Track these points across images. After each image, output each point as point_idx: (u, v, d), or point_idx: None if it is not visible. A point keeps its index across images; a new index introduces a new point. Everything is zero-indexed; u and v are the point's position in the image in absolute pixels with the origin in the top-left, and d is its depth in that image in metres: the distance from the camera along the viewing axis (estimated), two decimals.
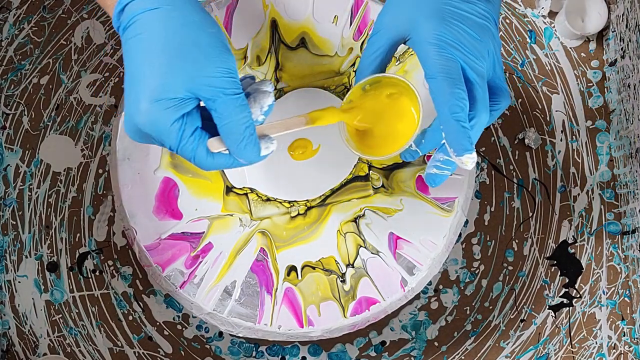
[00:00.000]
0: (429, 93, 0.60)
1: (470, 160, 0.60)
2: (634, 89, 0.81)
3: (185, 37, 0.58)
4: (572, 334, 0.85)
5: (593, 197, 0.86)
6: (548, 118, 0.87)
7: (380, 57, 0.64)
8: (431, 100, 0.60)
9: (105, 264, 0.85)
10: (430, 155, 0.75)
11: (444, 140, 0.60)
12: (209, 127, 0.60)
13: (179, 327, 0.84)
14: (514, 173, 0.86)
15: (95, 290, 0.84)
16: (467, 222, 0.86)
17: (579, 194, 0.86)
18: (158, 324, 0.84)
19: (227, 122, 0.58)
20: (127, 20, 0.58)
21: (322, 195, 0.75)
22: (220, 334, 0.84)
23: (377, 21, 0.64)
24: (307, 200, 0.75)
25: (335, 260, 0.74)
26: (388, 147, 0.66)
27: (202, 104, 0.59)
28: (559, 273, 0.86)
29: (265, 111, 0.61)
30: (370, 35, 0.65)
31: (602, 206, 0.86)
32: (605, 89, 0.88)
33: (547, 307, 0.85)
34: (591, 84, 0.88)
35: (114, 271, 0.85)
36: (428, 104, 0.62)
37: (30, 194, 0.86)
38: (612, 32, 0.87)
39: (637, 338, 0.84)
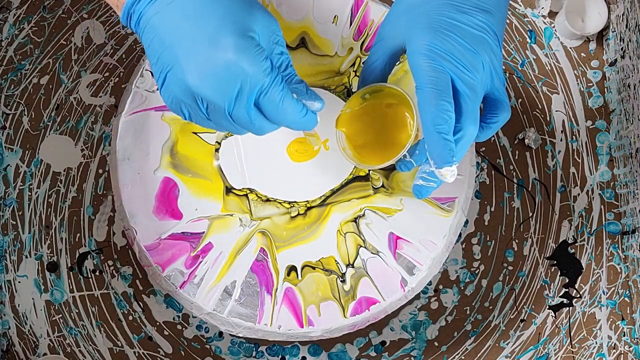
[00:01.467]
0: (418, 104, 0.60)
1: (449, 173, 0.60)
2: (634, 89, 0.81)
3: None
4: (572, 334, 0.85)
5: (593, 197, 0.86)
6: (548, 118, 0.87)
7: (380, 66, 0.64)
8: None
9: (105, 264, 0.85)
10: None
11: (427, 152, 0.60)
12: None
13: (179, 327, 0.84)
14: (514, 173, 0.86)
15: (95, 290, 0.84)
16: (467, 222, 0.86)
17: (579, 194, 0.86)
18: (158, 324, 0.84)
19: (288, 65, 0.60)
20: None
21: (322, 195, 0.75)
22: (220, 334, 0.84)
23: (380, 29, 0.64)
24: (307, 200, 0.75)
25: (335, 260, 0.74)
26: (384, 157, 0.66)
27: None
28: (559, 273, 0.86)
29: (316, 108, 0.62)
30: (374, 43, 0.65)
31: (602, 206, 0.86)
32: (605, 89, 0.88)
33: (547, 307, 0.85)
34: (591, 84, 0.88)
35: (114, 271, 0.85)
36: None
37: (30, 194, 0.86)
38: (612, 32, 0.87)
39: (637, 338, 0.84)
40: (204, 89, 0.57)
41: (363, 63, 0.67)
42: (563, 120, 0.87)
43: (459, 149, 0.60)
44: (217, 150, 0.75)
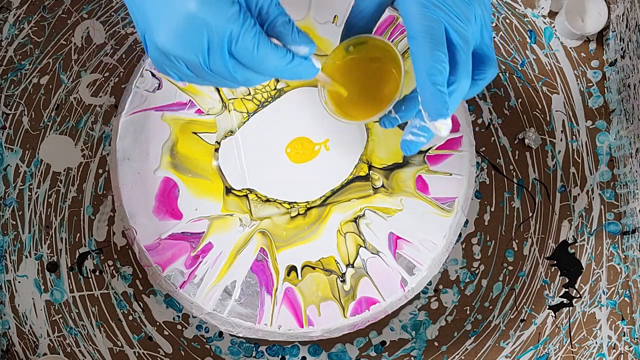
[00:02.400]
0: (410, 54, 0.58)
1: (444, 126, 0.58)
2: (634, 89, 0.81)
3: None
4: (572, 334, 0.85)
5: (593, 197, 0.86)
6: (548, 118, 0.87)
7: (367, 16, 0.62)
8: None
9: (105, 264, 0.85)
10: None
11: (420, 104, 0.58)
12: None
13: (179, 327, 0.84)
14: (514, 173, 0.86)
15: (95, 290, 0.84)
16: (467, 222, 0.85)
17: (579, 194, 0.86)
18: (158, 324, 0.84)
19: (272, 9, 0.56)
20: None
21: (322, 196, 0.75)
22: (220, 334, 0.84)
23: None
24: (307, 201, 0.75)
25: (335, 260, 0.74)
26: (368, 112, 0.63)
27: None
28: (559, 273, 0.86)
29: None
30: None
31: (602, 206, 0.86)
32: (605, 89, 0.88)
33: (547, 307, 0.85)
34: (591, 84, 0.88)
35: (114, 271, 0.85)
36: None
37: (30, 194, 0.86)
38: (612, 32, 0.87)
39: (637, 338, 0.84)
40: (173, 48, 0.54)
41: (351, 9, 0.65)
42: (563, 120, 0.87)
43: (452, 102, 0.59)
44: (216, 150, 0.75)
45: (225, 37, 0.53)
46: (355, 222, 0.75)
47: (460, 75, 0.58)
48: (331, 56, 0.64)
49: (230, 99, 0.76)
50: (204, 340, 0.84)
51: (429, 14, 0.57)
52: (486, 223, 0.86)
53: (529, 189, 0.86)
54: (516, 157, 0.87)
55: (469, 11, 0.58)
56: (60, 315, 0.84)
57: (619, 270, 0.85)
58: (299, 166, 0.75)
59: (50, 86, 0.87)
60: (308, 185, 0.75)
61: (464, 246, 0.85)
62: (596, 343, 0.85)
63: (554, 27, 0.89)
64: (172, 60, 0.55)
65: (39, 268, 0.85)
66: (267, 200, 0.75)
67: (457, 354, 0.84)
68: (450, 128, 0.58)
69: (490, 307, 0.85)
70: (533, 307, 0.85)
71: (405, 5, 0.58)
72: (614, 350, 0.84)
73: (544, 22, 0.89)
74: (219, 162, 0.75)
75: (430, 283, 0.84)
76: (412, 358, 0.84)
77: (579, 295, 0.85)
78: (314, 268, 0.74)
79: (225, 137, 0.76)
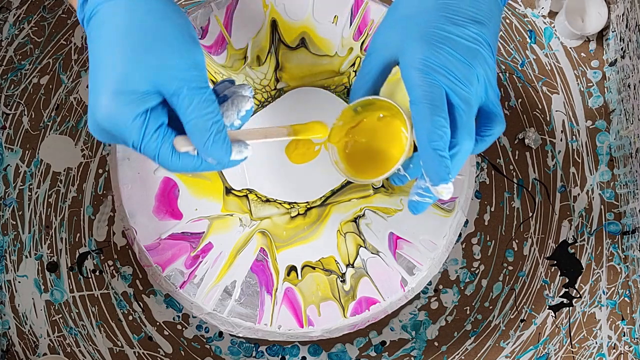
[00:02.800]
0: (412, 119, 0.58)
1: (445, 190, 0.58)
2: (634, 89, 0.81)
3: (148, 27, 0.55)
4: (572, 334, 0.85)
5: (593, 197, 0.86)
6: (548, 118, 0.87)
7: (372, 79, 0.63)
8: None
9: (105, 264, 0.85)
10: None
11: (422, 169, 0.59)
12: (178, 127, 0.57)
13: (179, 327, 0.84)
14: (514, 173, 0.86)
15: (95, 290, 0.84)
16: (467, 222, 0.86)
17: (579, 194, 0.86)
18: (158, 324, 0.84)
19: (193, 118, 0.55)
20: (90, 10, 0.56)
21: (322, 196, 0.75)
22: (220, 334, 0.84)
23: (372, 40, 0.63)
24: (307, 202, 0.75)
25: (335, 260, 0.74)
26: (377, 171, 0.65)
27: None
28: (559, 273, 0.86)
29: (242, 116, 0.58)
30: (365, 56, 0.63)
31: (602, 206, 0.86)
32: (605, 89, 0.88)
33: (547, 307, 0.85)
34: (591, 84, 0.88)
35: (114, 271, 0.85)
36: None
37: (30, 194, 0.86)
38: (612, 32, 0.87)
39: (637, 338, 0.84)
40: (100, 138, 0.57)
41: (361, 54, 0.66)
42: (563, 120, 0.87)
43: (455, 164, 0.59)
44: None
45: (129, 144, 0.56)
46: (355, 222, 0.75)
47: (462, 138, 0.58)
48: (340, 117, 0.66)
49: None
50: (204, 340, 0.84)
51: (429, 79, 0.57)
52: (486, 223, 0.86)
53: (529, 189, 0.86)
54: (516, 157, 0.87)
55: (471, 73, 0.58)
56: (60, 315, 0.84)
57: (619, 270, 0.85)
58: (299, 166, 0.75)
59: (50, 86, 0.87)
60: (308, 185, 0.75)
61: (464, 246, 0.85)
62: (596, 343, 0.85)
63: (554, 27, 0.89)
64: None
65: (39, 268, 0.85)
66: (267, 201, 0.75)
67: (457, 354, 0.84)
68: (452, 192, 0.59)
69: (490, 307, 0.85)
70: (533, 307, 0.85)
71: (406, 72, 0.59)
72: (614, 350, 0.85)
73: (544, 22, 0.89)
74: None
75: (430, 283, 0.85)
76: (412, 358, 0.84)
77: (579, 295, 0.85)
78: (314, 268, 0.74)
79: None
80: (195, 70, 0.55)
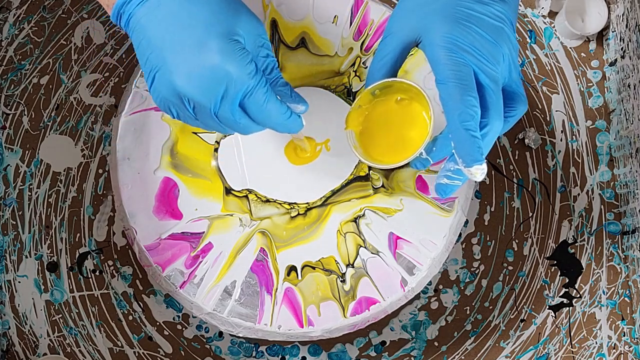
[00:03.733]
0: (440, 99, 0.57)
1: (479, 171, 0.58)
2: (634, 89, 0.81)
3: None
4: (572, 334, 0.85)
5: (593, 197, 0.86)
6: (548, 118, 0.87)
7: (390, 61, 0.62)
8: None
9: (105, 264, 0.85)
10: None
11: (454, 150, 0.58)
12: None
13: (179, 327, 0.84)
14: (514, 173, 0.86)
15: (95, 290, 0.84)
16: (467, 222, 0.85)
17: (579, 194, 0.86)
18: (158, 324, 0.84)
19: (273, 69, 0.62)
20: None
21: (323, 196, 0.75)
22: (220, 334, 0.84)
23: (388, 24, 0.62)
24: (307, 202, 0.75)
25: (335, 260, 0.74)
26: (398, 155, 0.64)
27: None
28: (559, 273, 0.86)
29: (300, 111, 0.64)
30: (382, 38, 0.62)
31: (602, 206, 0.86)
32: (605, 89, 0.88)
33: (547, 307, 0.85)
34: (591, 84, 0.88)
35: (114, 271, 0.85)
36: (441, 112, 0.60)
37: (30, 194, 0.86)
38: (612, 32, 0.87)
39: (637, 338, 0.84)
40: (190, 91, 0.58)
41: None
42: (563, 120, 0.87)
43: (486, 144, 0.58)
44: (215, 150, 0.75)
45: (242, 90, 0.58)
46: (355, 222, 0.75)
47: (493, 117, 0.58)
48: (358, 101, 0.65)
49: None
50: (204, 340, 0.84)
51: (457, 58, 0.56)
52: (486, 223, 0.86)
53: (529, 189, 0.86)
54: (516, 157, 0.87)
55: (497, 52, 0.57)
56: (60, 315, 0.84)
57: (619, 270, 0.85)
58: (299, 167, 0.75)
59: (50, 86, 0.87)
60: (308, 186, 0.75)
61: (464, 246, 0.85)
62: (596, 343, 0.85)
63: (554, 27, 0.89)
64: (183, 101, 0.58)
65: (39, 268, 0.85)
66: (267, 201, 0.75)
67: (457, 354, 0.84)
68: (486, 172, 0.58)
69: (490, 307, 0.85)
70: (533, 307, 0.85)
71: (432, 50, 0.58)
72: (614, 350, 0.85)
73: (544, 22, 0.89)
74: (218, 162, 0.75)
75: (430, 283, 0.85)
76: (412, 358, 0.84)
77: (579, 295, 0.85)
78: (314, 268, 0.74)
79: (225, 136, 0.76)
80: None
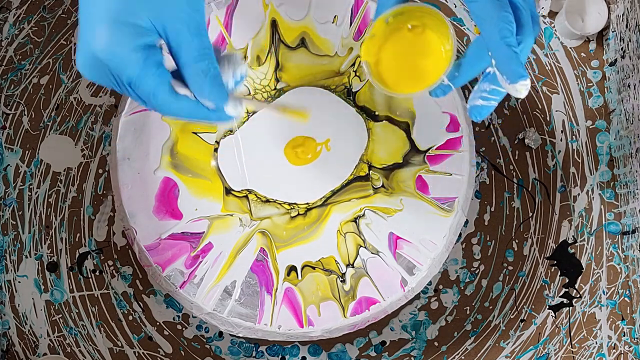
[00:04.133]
0: (473, 16, 0.56)
1: (524, 87, 0.56)
2: (634, 89, 0.81)
3: None
4: (572, 334, 0.85)
5: (593, 197, 0.86)
6: (548, 118, 0.87)
7: None
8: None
9: (105, 264, 0.85)
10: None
11: (493, 68, 0.57)
12: (173, 76, 0.55)
13: (179, 327, 0.84)
14: (514, 173, 0.86)
15: (95, 290, 0.84)
16: (467, 222, 0.85)
17: (579, 194, 0.86)
18: (158, 324, 0.84)
19: (191, 60, 0.54)
20: None
21: (323, 197, 0.75)
22: (220, 334, 0.84)
23: None
24: (307, 203, 0.75)
25: (335, 260, 0.74)
26: (420, 82, 0.61)
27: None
28: (559, 273, 0.86)
29: (237, 81, 0.57)
30: None
31: (602, 206, 0.86)
32: (605, 89, 0.88)
33: (547, 307, 0.85)
34: (591, 84, 0.88)
35: (114, 271, 0.85)
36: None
37: (30, 194, 0.86)
38: (612, 32, 0.87)
39: (637, 338, 0.84)
40: (89, 75, 0.55)
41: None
42: (563, 120, 0.87)
43: (523, 60, 0.57)
44: (215, 150, 0.75)
45: (124, 79, 0.54)
46: (355, 222, 0.75)
47: (526, 34, 0.57)
48: (371, 30, 0.62)
49: None
50: (204, 340, 0.84)
51: None
52: (486, 223, 0.86)
53: (529, 189, 0.86)
54: (516, 157, 0.87)
55: None
56: (60, 315, 0.84)
57: (619, 270, 0.85)
58: (298, 167, 0.75)
59: (50, 86, 0.87)
60: (308, 186, 0.75)
61: (464, 246, 0.85)
62: (596, 343, 0.85)
63: (554, 27, 0.89)
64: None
65: (39, 268, 0.85)
66: (267, 201, 0.75)
67: (457, 354, 0.84)
68: (529, 88, 0.57)
69: (490, 307, 0.85)
70: (533, 307, 0.85)
71: None
72: (614, 350, 0.84)
73: (544, 22, 0.89)
74: (217, 162, 0.75)
75: (430, 283, 0.84)
76: (412, 358, 0.84)
77: (579, 295, 0.85)
78: (314, 268, 0.74)
79: (225, 136, 0.76)
80: (197, 15, 0.54)
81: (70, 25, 0.88)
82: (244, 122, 0.76)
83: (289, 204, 0.75)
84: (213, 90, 0.55)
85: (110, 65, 0.53)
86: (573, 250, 0.86)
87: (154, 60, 0.54)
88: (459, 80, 0.61)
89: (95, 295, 0.84)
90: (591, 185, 0.87)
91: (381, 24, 0.61)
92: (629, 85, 0.83)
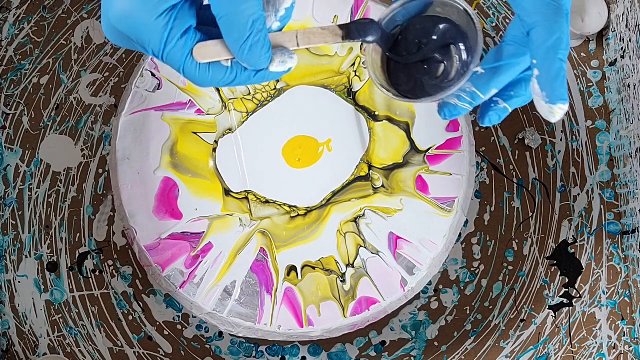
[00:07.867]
0: (519, 16, 0.48)
1: (562, 111, 0.48)
2: (634, 89, 0.81)
3: None
4: (572, 334, 0.85)
5: (593, 197, 0.86)
6: None
7: None
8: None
9: (105, 264, 0.85)
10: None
11: (535, 80, 0.48)
12: (209, 33, 0.48)
13: (179, 327, 0.84)
14: (514, 173, 0.86)
15: (95, 290, 0.84)
16: (467, 222, 0.85)
17: (579, 194, 0.86)
18: (158, 324, 0.84)
19: (228, 12, 0.45)
20: None
21: (323, 199, 0.75)
22: (220, 334, 0.84)
23: None
24: (307, 206, 0.75)
25: (335, 260, 0.74)
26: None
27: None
28: (559, 273, 0.86)
29: (282, 16, 0.48)
30: None
31: (602, 206, 0.86)
32: (605, 89, 0.88)
33: (547, 307, 0.85)
34: (591, 84, 0.88)
35: (114, 271, 0.85)
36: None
37: (30, 194, 0.86)
38: (612, 32, 0.87)
39: (637, 338, 0.84)
40: (114, 41, 0.49)
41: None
42: (563, 120, 0.87)
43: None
44: (214, 150, 0.75)
45: (149, 51, 0.48)
46: (355, 222, 0.75)
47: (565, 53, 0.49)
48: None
49: (230, 99, 0.76)
50: (204, 340, 0.84)
51: None
52: (486, 223, 0.86)
53: (529, 189, 0.86)
54: (516, 157, 0.87)
55: None
56: (60, 315, 0.84)
57: (619, 270, 0.85)
58: (299, 170, 0.75)
59: (50, 86, 0.87)
60: (309, 188, 0.75)
61: (464, 246, 0.85)
62: (596, 343, 0.85)
63: None
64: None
65: (39, 268, 0.85)
66: (267, 202, 0.75)
67: (457, 354, 0.84)
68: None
69: (490, 307, 0.85)
70: (533, 307, 0.85)
71: None
72: (614, 350, 0.84)
73: None
74: (215, 163, 0.75)
75: (430, 283, 0.84)
76: (412, 358, 0.84)
77: (579, 295, 0.85)
78: (314, 268, 0.74)
79: (224, 135, 0.75)
80: None
81: (70, 25, 0.88)
82: (244, 122, 0.76)
83: (289, 206, 0.75)
84: (254, 50, 0.47)
85: (130, 36, 0.47)
86: (573, 250, 0.86)
87: (181, 27, 0.46)
88: (487, 88, 0.52)
89: (95, 295, 0.84)
90: (591, 185, 0.87)
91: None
92: (629, 85, 0.83)
